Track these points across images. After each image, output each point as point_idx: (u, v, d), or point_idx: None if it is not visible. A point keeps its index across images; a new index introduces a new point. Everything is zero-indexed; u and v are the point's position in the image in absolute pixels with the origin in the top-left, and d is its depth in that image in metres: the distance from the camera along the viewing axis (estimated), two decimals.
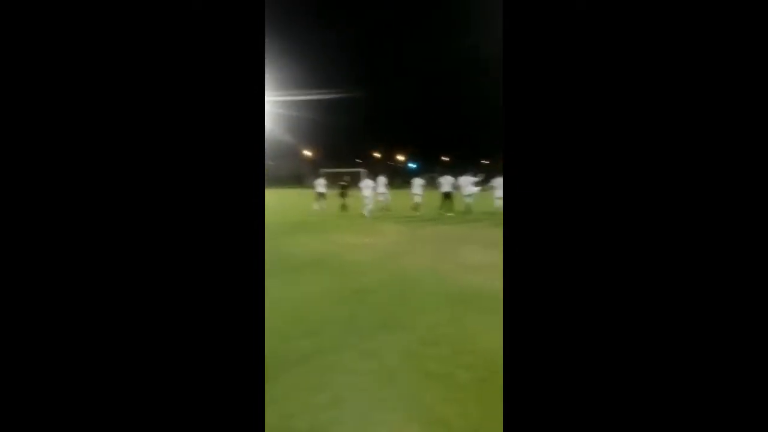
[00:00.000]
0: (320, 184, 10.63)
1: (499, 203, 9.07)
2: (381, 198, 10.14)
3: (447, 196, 9.52)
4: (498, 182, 9.85)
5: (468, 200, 9.87)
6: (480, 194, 10.36)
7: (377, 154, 49.50)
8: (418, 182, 10.19)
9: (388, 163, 49.55)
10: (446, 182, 9.61)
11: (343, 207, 10.39)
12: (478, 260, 4.13)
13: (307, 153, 45.94)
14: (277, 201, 15.11)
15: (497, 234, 6.11)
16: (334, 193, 10.97)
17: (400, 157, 50.42)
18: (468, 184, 9.90)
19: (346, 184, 10.91)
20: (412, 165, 46.36)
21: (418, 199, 9.88)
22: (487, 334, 2.21)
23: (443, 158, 47.66)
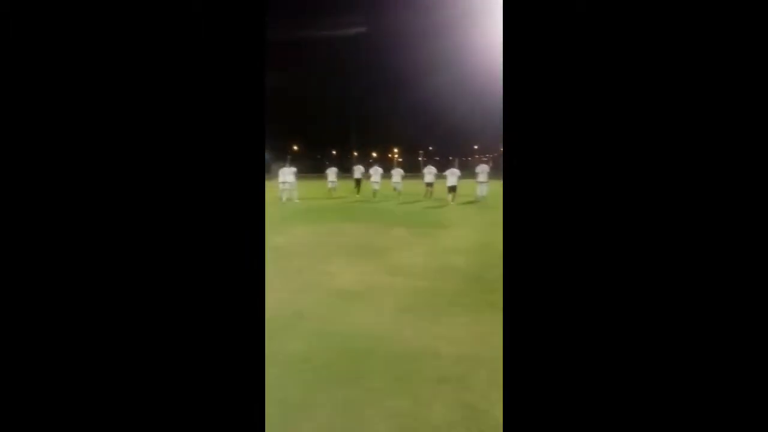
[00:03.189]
0: None
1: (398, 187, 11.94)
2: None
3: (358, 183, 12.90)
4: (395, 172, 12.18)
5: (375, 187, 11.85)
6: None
7: None
8: (332, 171, 12.29)
9: None
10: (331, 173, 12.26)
11: None
12: (355, 280, 3.21)
13: None
14: None
15: (364, 230, 5.39)
16: None
17: None
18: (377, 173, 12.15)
19: None
20: None
21: (332, 185, 12.23)
22: None
23: (294, 147, 46.45)
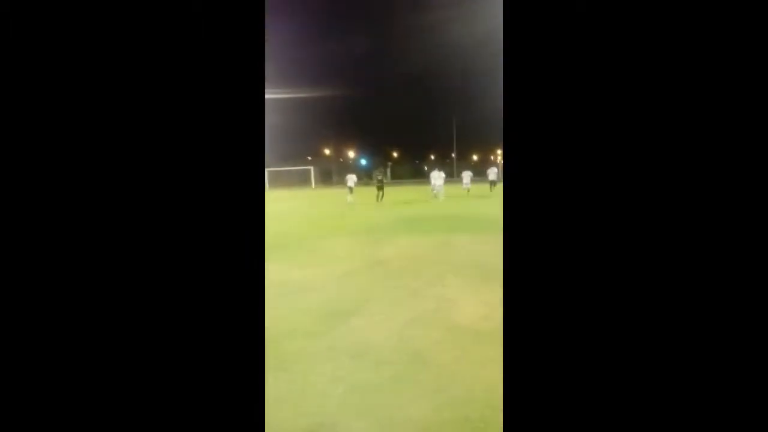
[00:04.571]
0: (351, 179, 13.24)
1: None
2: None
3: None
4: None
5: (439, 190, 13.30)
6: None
7: (327, 151, 47.80)
8: (467, 174, 15.31)
9: (339, 159, 48.18)
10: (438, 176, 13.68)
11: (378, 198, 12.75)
12: (481, 314, 2.58)
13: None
14: None
15: (486, 240, 4.64)
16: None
17: (351, 154, 48.80)
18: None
19: (382, 178, 13.80)
20: (362, 161, 45.05)
21: (466, 187, 15.00)
22: None
23: (393, 154, 47.71)
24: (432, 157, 50.95)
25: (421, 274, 3.63)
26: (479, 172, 21.55)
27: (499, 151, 50.90)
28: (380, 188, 13.21)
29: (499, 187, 14.87)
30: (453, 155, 44.49)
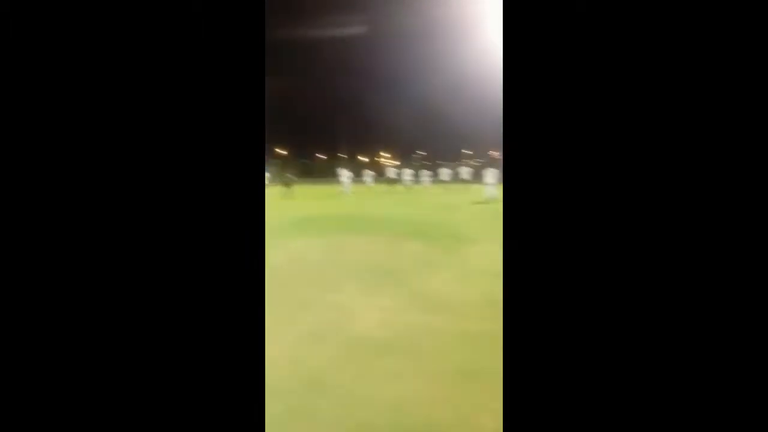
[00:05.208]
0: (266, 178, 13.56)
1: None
2: None
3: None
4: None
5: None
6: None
7: None
8: (346, 173, 16.49)
9: None
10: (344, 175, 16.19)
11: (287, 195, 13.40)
12: (377, 321, 2.45)
13: None
14: None
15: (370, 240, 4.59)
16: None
17: None
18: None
19: (291, 179, 14.84)
20: None
21: (369, 184, 18.96)
22: None
23: (278, 151, 45.74)
24: (323, 156, 50.39)
25: (313, 282, 3.35)
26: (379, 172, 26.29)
27: (384, 153, 53.30)
28: (289, 186, 14.44)
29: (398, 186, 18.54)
30: (340, 155, 44.83)
